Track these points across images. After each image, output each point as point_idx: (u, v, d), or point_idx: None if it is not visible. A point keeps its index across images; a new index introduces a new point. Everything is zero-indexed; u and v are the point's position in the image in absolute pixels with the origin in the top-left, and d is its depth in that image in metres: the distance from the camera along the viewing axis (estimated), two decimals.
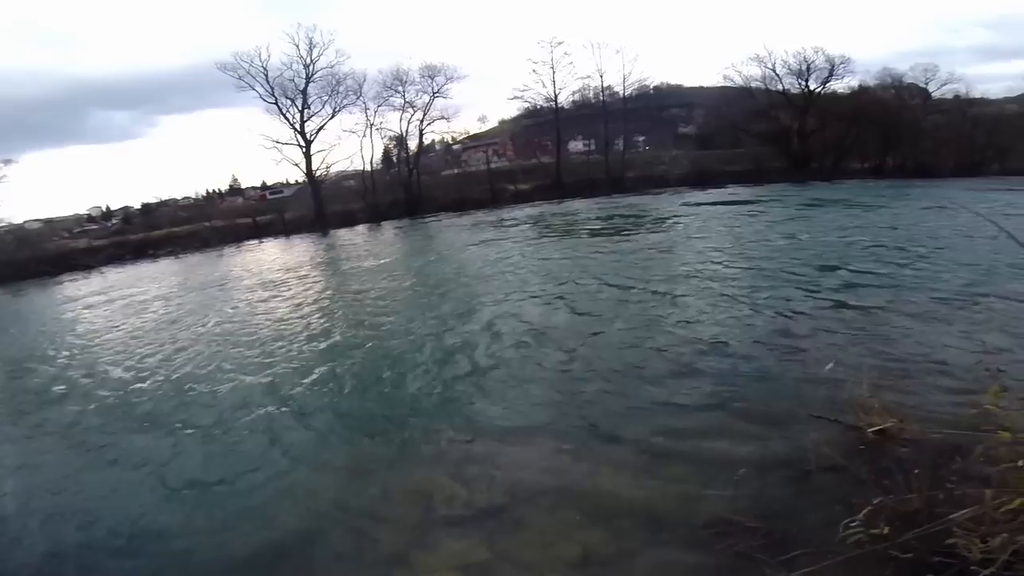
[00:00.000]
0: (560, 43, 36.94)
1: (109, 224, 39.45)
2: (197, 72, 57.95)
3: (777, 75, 34.57)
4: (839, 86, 34.08)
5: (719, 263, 10.74)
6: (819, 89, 34.13)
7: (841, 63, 33.31)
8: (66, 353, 10.16)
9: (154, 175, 76.26)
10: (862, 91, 33.70)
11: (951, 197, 16.79)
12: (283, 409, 6.09)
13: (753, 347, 6.16)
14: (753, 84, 35.35)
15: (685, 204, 22.92)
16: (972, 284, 7.66)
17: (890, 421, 3.71)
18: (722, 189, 28.29)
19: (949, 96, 32.78)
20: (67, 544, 4.18)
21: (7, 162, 32.16)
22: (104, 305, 15.47)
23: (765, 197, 23.03)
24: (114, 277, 23.94)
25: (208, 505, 4.41)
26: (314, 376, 6.97)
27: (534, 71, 37.36)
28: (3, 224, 32.98)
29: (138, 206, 40.59)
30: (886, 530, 2.54)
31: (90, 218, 40.94)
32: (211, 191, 44.30)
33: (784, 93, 34.76)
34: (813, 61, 33.58)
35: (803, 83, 34.25)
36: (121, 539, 4.15)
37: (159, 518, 4.32)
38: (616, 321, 7.69)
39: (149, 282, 19.61)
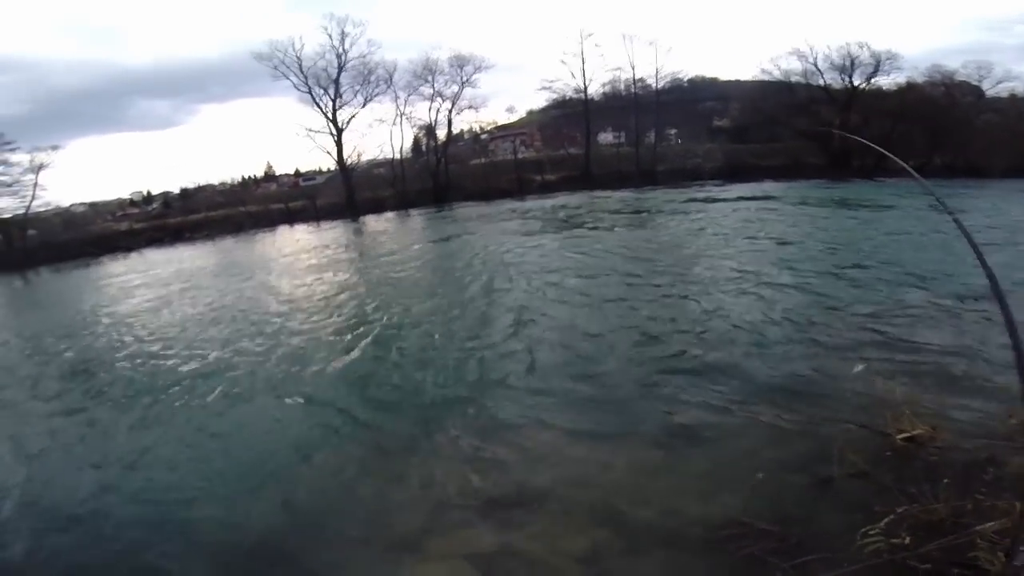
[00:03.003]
0: (591, 35, 36.65)
1: (150, 208, 41.05)
2: (234, 62, 59.91)
3: (818, 70, 33.41)
4: (884, 82, 32.73)
5: (750, 259, 10.45)
6: (863, 85, 32.84)
7: (888, 59, 31.96)
8: (108, 325, 10.69)
9: (193, 161, 78.86)
10: (909, 87, 32.14)
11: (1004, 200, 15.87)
12: (305, 390, 6.21)
13: (780, 347, 5.99)
14: (793, 78, 34.27)
15: (719, 198, 22.30)
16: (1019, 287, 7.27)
17: (921, 428, 3.57)
18: (758, 184, 27.44)
19: (1004, 95, 30.97)
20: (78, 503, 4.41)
21: (54, 148, 33.29)
22: (144, 285, 16.15)
23: (803, 193, 22.29)
24: (153, 258, 25.00)
25: (225, 483, 4.50)
26: (336, 359, 7.10)
27: (563, 62, 37.51)
28: (50, 207, 34.36)
29: (177, 191, 42.12)
30: (907, 539, 2.48)
31: (132, 202, 42.61)
32: (246, 177, 45.56)
33: (825, 88, 33.55)
34: (857, 56, 32.29)
35: (846, 78, 33.04)
36: (135, 509, 4.29)
37: (174, 492, 4.44)
38: (640, 315, 7.57)
39: (185, 263, 20.40)
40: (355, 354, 7.28)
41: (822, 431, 3.99)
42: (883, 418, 3.75)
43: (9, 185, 31.73)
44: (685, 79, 40.61)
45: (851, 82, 33.00)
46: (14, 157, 31.84)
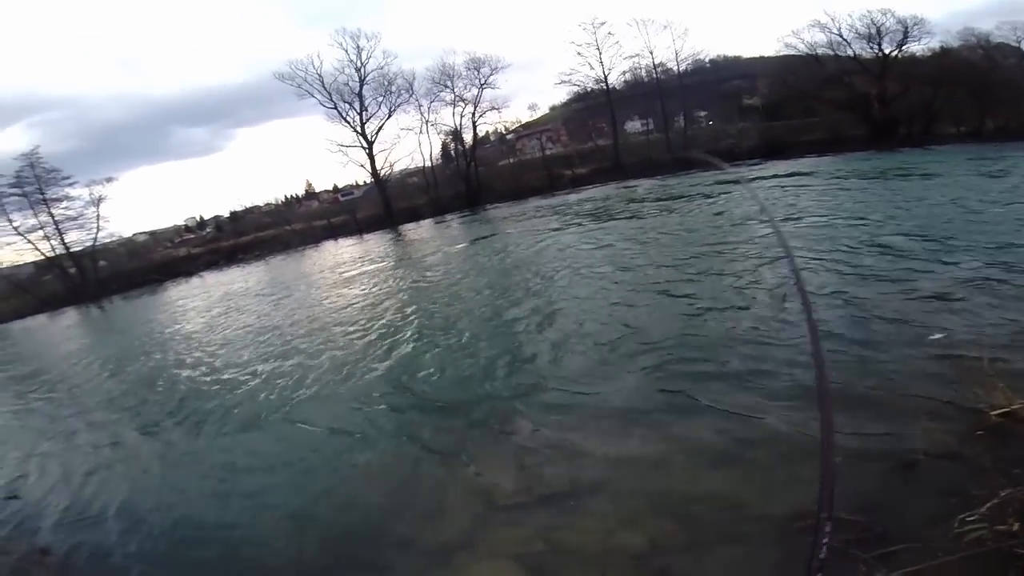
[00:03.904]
0: (603, 23, 36.12)
1: (204, 233, 43.55)
2: (258, 85, 63.12)
3: (845, 40, 31.96)
4: (917, 48, 31.09)
5: (805, 231, 9.96)
6: (895, 52, 31.17)
7: (915, 24, 30.31)
8: (178, 344, 11.40)
9: (237, 184, 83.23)
10: (944, 52, 30.38)
11: None
12: (356, 392, 6.39)
13: (844, 323, 5.54)
14: (819, 50, 32.89)
15: (759, 177, 21.40)
16: None
17: (1018, 402, 3.26)
18: (799, 160, 26.28)
19: None
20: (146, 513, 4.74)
21: (108, 180, 35.64)
22: (207, 305, 17.33)
23: (848, 167, 21.15)
24: (211, 280, 26.55)
25: (280, 485, 4.72)
26: (383, 362, 7.30)
27: (579, 54, 36.85)
28: (114, 238, 36.84)
29: (227, 214, 44.52)
30: (1015, 526, 2.28)
31: (187, 228, 45.40)
32: (289, 196, 47.69)
33: (856, 58, 32.02)
34: (882, 24, 30.74)
35: (875, 47, 31.46)
36: (197, 514, 4.53)
37: (240, 496, 4.69)
38: (688, 300, 7.31)
39: (240, 283, 21.57)
40: (400, 356, 7.43)
41: (902, 410, 3.65)
42: (972, 393, 3.44)
43: (75, 219, 34.36)
44: (707, 59, 39.82)
45: (881, 50, 31.49)
46: (74, 191, 34.46)
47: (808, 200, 14.23)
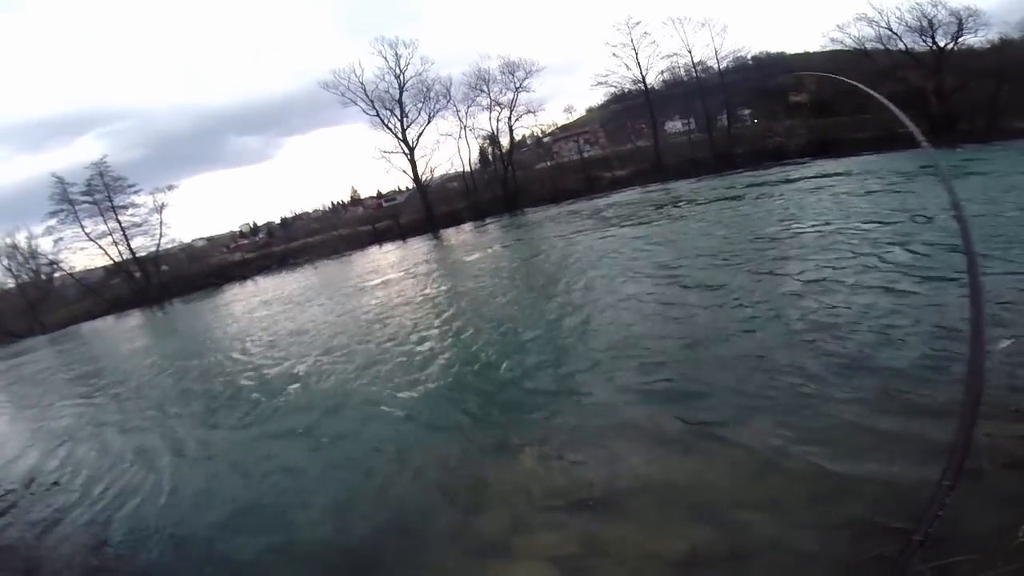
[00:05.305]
0: (638, 23, 35.96)
1: (257, 238, 45.84)
2: (307, 94, 65.60)
3: (895, 34, 30.74)
4: (975, 41, 29.47)
5: (857, 238, 9.53)
6: (950, 45, 29.66)
7: (969, 16, 28.75)
8: (238, 345, 11.98)
9: (288, 191, 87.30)
10: (1005, 44, 28.78)
11: None
12: (396, 395, 6.60)
13: (898, 330, 5.34)
14: (868, 45, 31.71)
15: (810, 177, 20.66)
16: None
17: None
18: (852, 158, 25.21)
19: None
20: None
21: (170, 188, 38.02)
22: (261, 306, 18.34)
23: (905, 164, 20.21)
24: (264, 284, 27.94)
25: (325, 478, 4.99)
26: (428, 366, 7.47)
27: (615, 55, 36.70)
28: (175, 244, 39.32)
29: (278, 220, 46.73)
30: None
31: (241, 234, 47.90)
32: (335, 203, 49.60)
33: (909, 52, 30.68)
34: (933, 16, 29.35)
35: (928, 40, 30.04)
36: (247, 510, 4.75)
37: (289, 494, 4.91)
38: (731, 305, 7.19)
39: (292, 285, 22.67)
40: (440, 359, 7.66)
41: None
42: None
43: (139, 225, 36.97)
44: (748, 56, 38.70)
45: (936, 43, 30.02)
46: (139, 199, 36.99)
47: (868, 198, 13.64)
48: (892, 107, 3.06)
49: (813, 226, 11.15)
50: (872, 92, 3.46)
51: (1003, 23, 29.72)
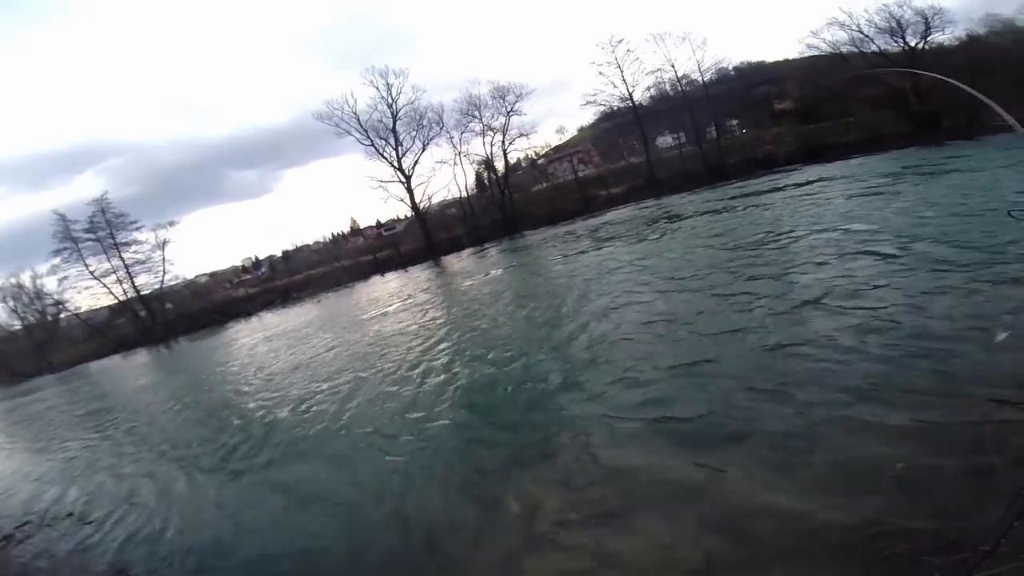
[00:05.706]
0: (620, 41, 37.01)
1: (259, 273, 46.25)
2: (302, 126, 66.54)
3: (867, 36, 31.62)
4: (943, 38, 30.50)
5: (848, 240, 9.57)
6: (921, 44, 30.57)
7: (934, 14, 29.87)
8: (243, 382, 12.05)
9: (288, 223, 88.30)
10: (972, 40, 29.69)
11: None
12: (408, 416, 6.70)
13: (901, 329, 5.26)
14: (843, 48, 32.47)
15: (801, 183, 20.87)
16: None
17: None
18: (841, 162, 25.56)
19: None
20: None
21: (171, 224, 38.11)
22: (266, 342, 18.50)
23: (892, 165, 20.55)
24: (269, 320, 28.05)
25: (334, 504, 5.07)
26: (436, 386, 7.61)
27: (601, 73, 37.58)
28: (179, 280, 39.44)
29: (279, 253, 47.25)
30: None
31: (244, 268, 48.34)
32: (335, 234, 50.14)
33: (883, 53, 31.38)
34: (901, 16, 30.42)
35: (900, 40, 30.94)
36: (262, 535, 4.86)
37: (303, 516, 5.02)
38: (745, 312, 7.14)
39: (295, 320, 22.82)
40: (449, 382, 7.72)
41: (971, 412, 3.48)
42: None
43: (143, 262, 36.99)
44: (730, 67, 39.86)
45: (907, 43, 30.89)
46: (141, 235, 37.10)
47: (858, 201, 13.80)
48: (990, 102, 3.18)
49: (809, 233, 11.23)
50: (967, 87, 3.65)
51: (968, 19, 30.85)
